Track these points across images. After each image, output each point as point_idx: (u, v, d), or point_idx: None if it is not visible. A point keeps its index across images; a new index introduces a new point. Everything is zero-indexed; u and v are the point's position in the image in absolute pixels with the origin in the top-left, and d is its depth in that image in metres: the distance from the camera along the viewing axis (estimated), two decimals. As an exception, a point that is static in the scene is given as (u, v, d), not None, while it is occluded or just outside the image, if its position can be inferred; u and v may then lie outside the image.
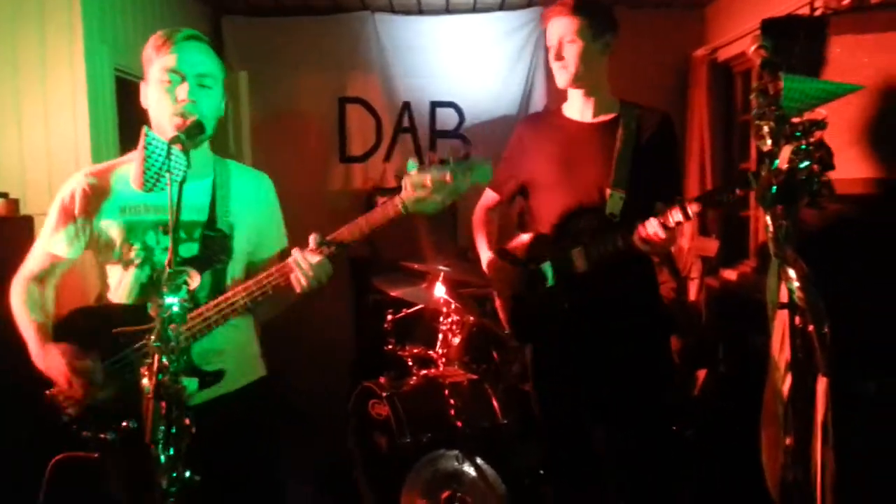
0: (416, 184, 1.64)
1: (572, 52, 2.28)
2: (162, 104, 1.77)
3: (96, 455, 1.77)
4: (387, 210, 1.68)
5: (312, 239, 1.73)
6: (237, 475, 1.88)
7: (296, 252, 1.72)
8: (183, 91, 1.74)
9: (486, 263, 2.59)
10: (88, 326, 1.85)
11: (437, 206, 1.64)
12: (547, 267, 2.33)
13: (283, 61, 4.95)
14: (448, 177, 1.62)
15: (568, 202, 2.35)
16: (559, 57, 2.31)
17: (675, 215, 2.03)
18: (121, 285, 1.88)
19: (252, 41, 4.91)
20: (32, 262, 1.98)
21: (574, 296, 2.31)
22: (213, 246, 1.82)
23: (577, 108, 2.41)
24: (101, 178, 1.88)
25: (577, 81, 2.32)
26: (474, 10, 5.04)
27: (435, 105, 5.12)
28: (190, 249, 1.83)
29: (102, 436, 1.76)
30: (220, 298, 1.77)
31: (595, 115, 2.38)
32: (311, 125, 5.11)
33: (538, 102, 5.03)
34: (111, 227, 1.85)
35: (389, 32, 5.04)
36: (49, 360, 1.79)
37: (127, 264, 1.86)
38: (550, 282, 2.32)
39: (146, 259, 1.84)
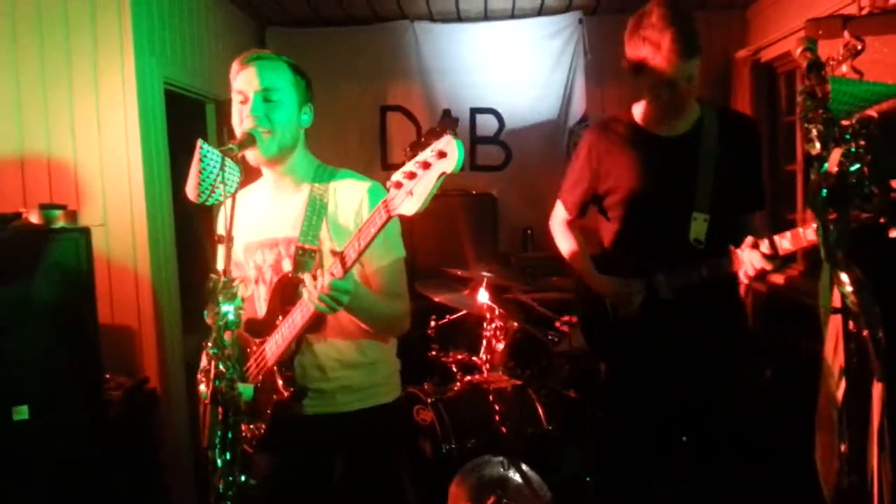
0: (396, 181, 1.50)
1: (690, 87, 2.12)
2: (235, 124, 1.85)
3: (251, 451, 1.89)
4: (373, 218, 1.58)
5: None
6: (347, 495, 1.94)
7: (307, 280, 1.69)
8: (247, 109, 1.81)
9: (593, 278, 2.43)
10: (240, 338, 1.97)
11: (411, 211, 1.46)
12: (660, 278, 2.21)
13: (324, 71, 5.01)
14: (418, 168, 1.44)
15: (648, 223, 2.24)
16: (678, 99, 2.14)
17: (785, 243, 1.87)
18: (249, 301, 2.00)
19: (294, 52, 4.95)
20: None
21: (654, 324, 2.23)
22: (304, 260, 1.85)
23: (656, 118, 2.26)
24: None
25: (681, 112, 2.20)
26: (512, 16, 5.06)
27: (475, 111, 5.14)
28: (287, 265, 1.89)
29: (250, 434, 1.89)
30: (287, 318, 1.82)
31: (676, 126, 2.24)
32: (353, 133, 5.18)
33: (578, 107, 5.02)
34: (237, 246, 1.94)
35: (429, 40, 5.09)
36: None
37: (248, 282, 1.98)
38: (665, 294, 2.20)
39: (258, 277, 1.96)
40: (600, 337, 2.45)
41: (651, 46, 2.08)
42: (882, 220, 1.53)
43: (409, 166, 1.43)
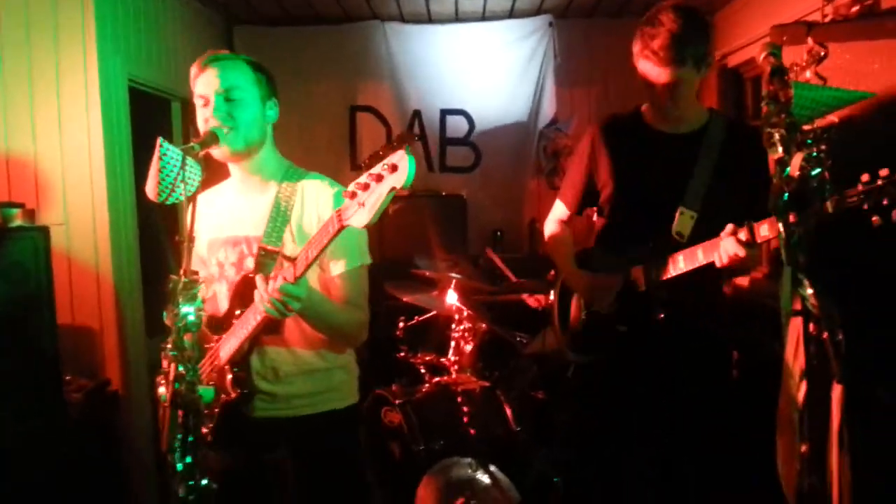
0: (350, 191, 1.48)
1: (674, 93, 2.11)
2: (201, 128, 1.82)
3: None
4: (326, 228, 1.57)
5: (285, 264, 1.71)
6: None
7: (258, 282, 1.68)
8: (208, 111, 1.78)
9: (573, 275, 2.42)
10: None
11: (361, 223, 1.45)
12: (639, 269, 2.19)
13: (294, 70, 4.97)
14: (371, 180, 1.43)
15: (635, 217, 2.24)
16: (657, 98, 2.14)
17: (763, 230, 1.82)
18: (212, 299, 1.97)
19: (263, 51, 4.93)
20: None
21: (630, 318, 2.21)
22: (266, 261, 1.83)
23: (660, 117, 2.25)
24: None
25: (673, 111, 2.18)
26: (483, 18, 5.06)
27: (445, 113, 5.14)
28: (249, 263, 1.87)
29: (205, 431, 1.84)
30: (243, 317, 1.80)
31: (680, 125, 2.23)
32: (323, 133, 5.15)
33: (548, 109, 5.04)
34: (200, 247, 1.96)
35: (399, 41, 5.07)
36: None
37: (210, 279, 1.95)
38: (644, 288, 2.17)
39: (220, 274, 1.93)
40: (576, 335, 2.44)
41: (642, 41, 2.09)
42: (865, 207, 1.56)
43: (364, 178, 1.42)
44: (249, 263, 1.87)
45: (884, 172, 1.56)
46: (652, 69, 2.09)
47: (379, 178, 1.40)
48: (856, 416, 1.17)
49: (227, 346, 1.84)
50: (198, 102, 1.82)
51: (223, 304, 1.92)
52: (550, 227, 2.55)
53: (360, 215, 1.44)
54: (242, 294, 1.84)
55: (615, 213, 2.33)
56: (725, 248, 1.90)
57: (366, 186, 1.42)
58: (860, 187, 1.59)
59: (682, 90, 2.11)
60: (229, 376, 1.84)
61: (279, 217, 1.85)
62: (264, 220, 1.85)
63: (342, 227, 1.50)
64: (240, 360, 1.85)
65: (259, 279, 1.66)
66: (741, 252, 1.87)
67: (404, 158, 1.37)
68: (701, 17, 2.11)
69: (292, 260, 1.62)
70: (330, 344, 1.92)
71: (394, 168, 1.37)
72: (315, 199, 1.87)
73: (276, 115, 1.92)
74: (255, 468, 1.93)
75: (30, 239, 2.58)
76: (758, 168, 2.16)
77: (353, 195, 1.44)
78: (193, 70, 1.84)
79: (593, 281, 2.32)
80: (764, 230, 1.82)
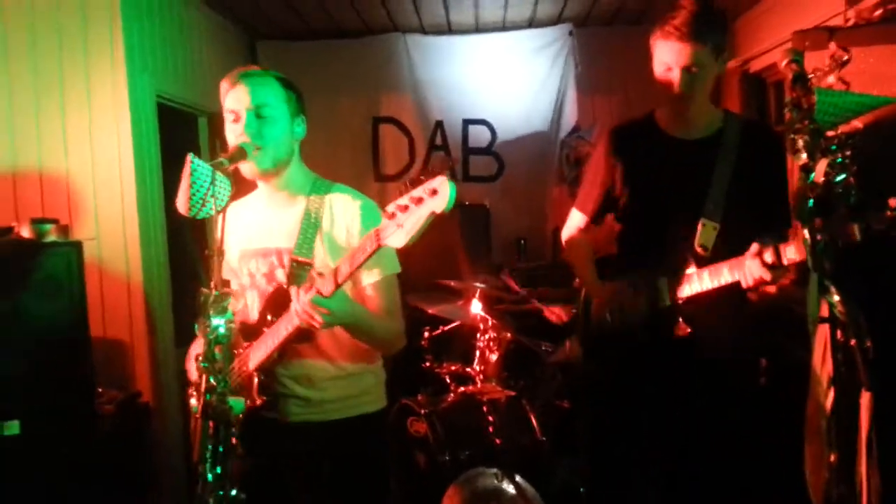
0: (390, 212, 1.51)
1: (691, 78, 2.06)
2: (230, 140, 1.86)
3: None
4: (363, 245, 1.59)
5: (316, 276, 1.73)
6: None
7: (292, 295, 1.71)
8: (239, 127, 1.82)
9: (595, 286, 2.40)
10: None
11: (399, 245, 1.48)
12: (663, 284, 2.16)
13: (316, 84, 5.00)
14: (411, 203, 1.46)
15: (657, 228, 2.20)
16: (679, 87, 2.07)
17: (790, 252, 1.77)
18: (246, 308, 2.01)
19: (286, 65, 4.98)
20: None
21: (653, 331, 2.18)
22: (298, 272, 1.86)
23: (676, 120, 2.22)
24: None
25: (688, 103, 2.13)
26: (504, 28, 5.09)
27: (467, 123, 5.16)
28: (280, 276, 1.90)
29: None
30: (273, 327, 1.82)
31: (695, 129, 2.20)
32: (346, 145, 5.19)
33: (569, 117, 5.05)
34: (231, 256, 2.02)
35: (420, 52, 5.11)
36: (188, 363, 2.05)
37: (242, 289, 1.99)
38: (664, 301, 2.15)
39: (252, 284, 1.97)
40: (596, 342, 2.43)
41: (661, 23, 2.07)
42: (894, 234, 1.54)
43: (404, 199, 1.45)
44: (280, 274, 1.90)
45: None
46: (672, 48, 2.04)
47: (419, 200, 1.43)
48: (884, 425, 1.16)
49: (258, 353, 1.87)
50: (228, 117, 1.86)
51: (254, 313, 1.96)
52: (568, 240, 2.54)
53: (398, 236, 1.47)
54: (274, 303, 1.88)
55: (634, 222, 2.31)
56: (751, 270, 1.86)
57: (405, 208, 1.45)
58: (889, 214, 1.56)
59: (698, 77, 2.07)
60: (256, 381, 1.87)
61: (310, 229, 1.87)
62: (295, 232, 1.88)
63: (379, 247, 1.53)
64: (269, 368, 1.88)
65: (293, 291, 1.69)
66: (767, 276, 1.82)
67: (445, 184, 1.39)
68: (719, 8, 2.11)
69: (333, 272, 1.65)
70: (364, 353, 1.95)
71: (434, 192, 1.41)
72: (343, 210, 1.90)
73: (303, 132, 1.96)
74: (291, 475, 1.95)
75: (63, 254, 2.64)
76: (776, 168, 2.15)
77: (393, 216, 1.47)
78: (224, 85, 1.88)
79: (614, 292, 2.30)
80: (791, 252, 1.77)
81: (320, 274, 1.67)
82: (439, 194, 1.40)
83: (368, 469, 1.99)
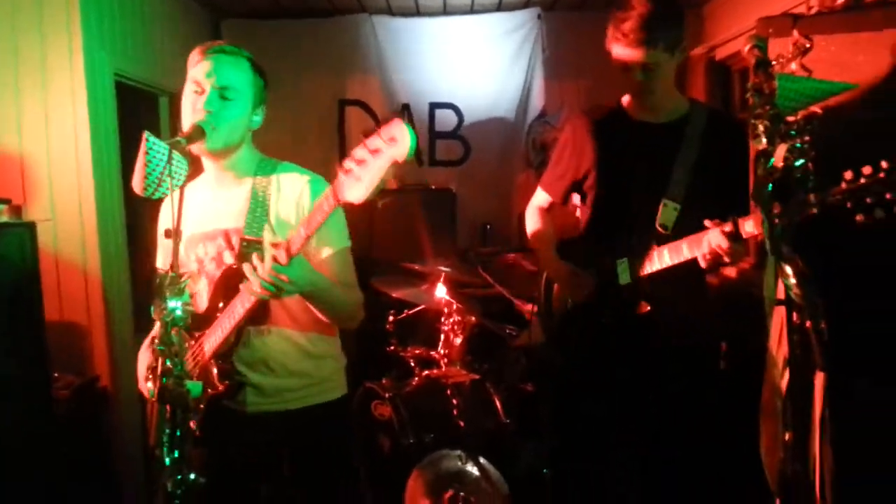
0: (345, 168, 1.47)
1: (648, 77, 2.11)
2: (185, 112, 1.82)
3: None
4: (320, 204, 1.55)
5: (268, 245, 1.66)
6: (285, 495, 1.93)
7: (246, 267, 1.66)
8: (201, 101, 1.77)
9: (551, 265, 2.44)
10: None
11: (359, 198, 1.43)
12: (623, 265, 2.19)
13: (282, 64, 4.94)
14: (367, 154, 1.41)
15: (619, 208, 2.24)
16: (637, 84, 2.14)
17: (748, 226, 1.83)
18: (195, 296, 1.95)
19: (251, 44, 4.85)
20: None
21: (615, 310, 2.21)
22: (249, 251, 1.81)
23: (640, 106, 2.27)
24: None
25: (647, 96, 2.18)
26: (472, 11, 5.05)
27: (434, 106, 5.13)
28: (228, 258, 1.86)
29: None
30: (228, 308, 1.78)
31: (660, 114, 2.24)
32: (311, 127, 5.13)
33: (536, 102, 5.05)
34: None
35: (388, 34, 5.06)
36: (139, 363, 2.00)
37: (192, 276, 1.93)
38: (623, 280, 2.17)
39: (200, 270, 1.92)
40: (558, 325, 2.45)
41: (613, 25, 2.10)
42: (848, 205, 1.57)
43: (359, 153, 1.40)
44: (228, 257, 1.87)
45: (867, 170, 1.57)
46: (623, 52, 2.09)
47: (376, 151, 1.37)
48: (837, 404, 1.18)
49: (212, 339, 1.84)
50: (190, 87, 1.81)
51: (203, 302, 1.91)
52: (531, 213, 2.56)
53: (357, 190, 1.41)
54: (226, 287, 1.83)
55: (598, 203, 2.33)
56: (710, 239, 1.90)
57: (362, 162, 1.40)
58: (844, 185, 1.60)
59: (655, 74, 2.11)
60: (214, 370, 1.83)
61: (258, 208, 1.85)
62: (243, 213, 1.85)
63: (338, 203, 1.49)
64: (226, 352, 1.84)
65: (248, 264, 1.64)
66: (724, 243, 1.86)
67: (403, 129, 1.35)
68: (673, 1, 2.12)
69: (286, 242, 1.60)
70: (320, 326, 1.92)
71: (392, 140, 1.35)
72: (291, 187, 1.88)
73: (260, 123, 1.93)
74: (251, 467, 1.92)
75: (16, 235, 2.57)
76: (739, 158, 2.17)
77: (349, 171, 1.42)
78: (195, 55, 1.83)
79: (571, 271, 2.32)
80: (749, 226, 1.83)
81: (275, 244, 1.62)
82: (398, 141, 1.35)
83: (332, 459, 1.97)
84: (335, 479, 1.98)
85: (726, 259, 1.91)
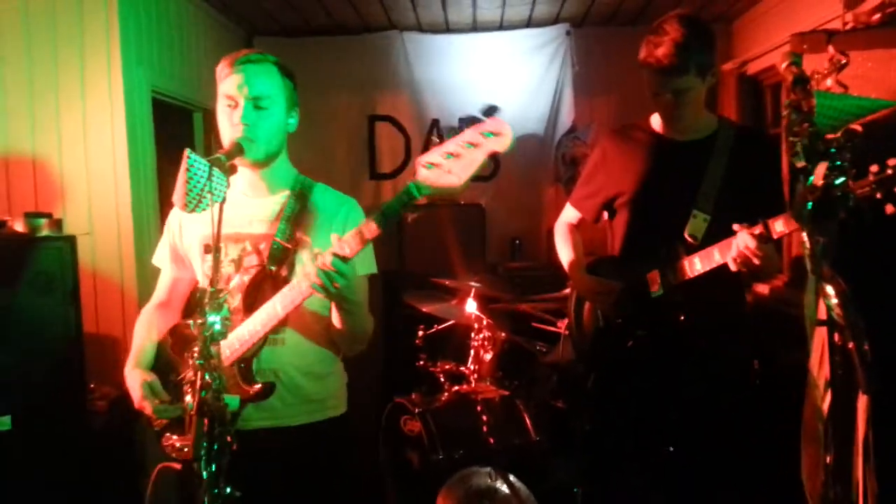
0: (429, 162, 1.56)
1: (678, 102, 2.13)
2: (223, 128, 1.84)
3: (179, 466, 1.82)
4: (401, 198, 1.61)
5: (334, 239, 1.68)
6: None
7: (305, 259, 1.70)
8: (237, 115, 1.79)
9: (578, 279, 2.43)
10: (176, 344, 1.97)
11: (455, 184, 1.51)
12: (654, 275, 2.18)
13: (313, 81, 5.00)
14: (460, 148, 1.51)
15: (649, 223, 2.24)
16: (668, 108, 2.16)
17: (779, 226, 1.83)
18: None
19: (282, 61, 4.96)
20: (158, 285, 2.11)
21: (648, 324, 2.19)
22: (279, 256, 1.84)
23: (669, 125, 2.28)
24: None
25: (678, 120, 2.20)
26: (501, 27, 5.08)
27: (463, 122, 5.14)
28: (251, 261, 1.87)
29: (179, 445, 1.83)
30: (260, 309, 1.78)
31: (688, 133, 2.25)
32: (342, 143, 5.18)
33: (566, 118, 5.05)
34: (192, 245, 1.96)
35: (418, 51, 5.10)
36: (128, 381, 1.92)
37: (203, 279, 1.94)
38: (660, 291, 2.17)
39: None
40: (590, 344, 2.44)
41: (646, 49, 2.11)
42: (878, 196, 1.56)
43: (450, 146, 1.51)
44: (252, 261, 1.87)
45: (893, 162, 1.56)
46: (655, 78, 2.11)
47: (476, 144, 1.49)
48: (881, 427, 1.16)
49: (237, 343, 1.80)
50: (223, 101, 1.83)
51: None
52: (560, 229, 2.57)
53: (450, 178, 1.51)
54: (256, 289, 1.83)
55: (629, 221, 2.33)
56: (738, 242, 1.90)
57: (455, 154, 1.50)
58: (871, 178, 1.58)
59: (686, 99, 2.13)
60: (237, 372, 1.81)
61: (292, 219, 1.87)
62: (275, 221, 1.87)
63: (438, 187, 1.55)
64: (249, 357, 1.82)
65: (307, 254, 1.68)
66: (752, 243, 1.86)
67: (505, 124, 1.49)
68: (705, 26, 2.13)
69: (356, 232, 1.64)
70: (330, 344, 1.95)
71: (497, 134, 1.48)
72: (328, 204, 1.93)
73: (296, 125, 1.94)
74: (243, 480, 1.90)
75: (56, 248, 2.62)
76: (769, 171, 2.20)
77: (437, 165, 1.52)
78: (223, 69, 1.84)
79: (598, 282, 2.31)
80: (779, 226, 1.83)
81: (358, 232, 1.64)
82: (502, 135, 1.48)
83: (332, 477, 1.96)
84: (331, 497, 1.96)
85: (755, 262, 1.89)
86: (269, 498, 1.86)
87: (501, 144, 1.48)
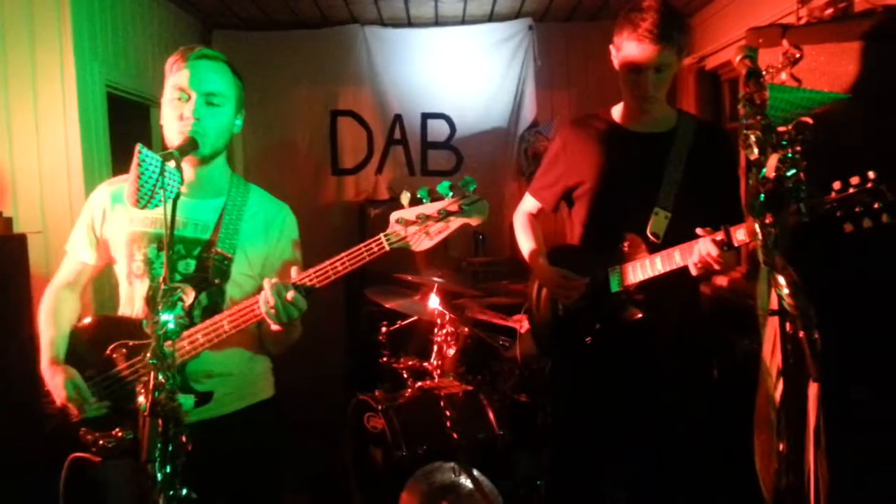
0: (404, 220, 1.68)
1: (658, 79, 2.14)
2: (169, 121, 1.80)
3: (99, 459, 1.81)
4: (371, 247, 1.69)
5: (294, 271, 1.72)
6: (232, 498, 1.88)
7: (266, 286, 1.68)
8: (188, 109, 1.76)
9: (541, 269, 2.42)
10: (94, 338, 1.92)
11: (423, 243, 1.67)
12: (616, 273, 2.20)
13: (274, 75, 4.96)
14: (435, 213, 1.65)
15: (610, 216, 2.25)
16: (641, 84, 2.15)
17: (739, 234, 1.86)
18: (128, 298, 1.92)
19: (243, 55, 4.88)
20: (63, 267, 2.06)
21: (605, 317, 2.21)
22: (209, 266, 1.82)
23: (632, 115, 2.29)
24: (118, 189, 1.90)
25: (652, 102, 2.20)
26: (463, 21, 5.07)
27: (426, 117, 5.14)
28: (187, 266, 1.84)
29: (102, 442, 1.77)
30: (207, 322, 1.77)
31: (650, 125, 2.27)
32: (303, 138, 5.13)
33: (528, 112, 5.06)
34: (118, 237, 1.90)
35: (380, 45, 5.07)
36: (50, 378, 1.89)
37: (130, 276, 1.89)
38: (614, 288, 2.19)
39: (146, 272, 1.87)
40: (548, 333, 2.45)
41: (630, 26, 2.12)
42: (838, 214, 1.59)
43: (432, 209, 1.65)
44: (187, 265, 1.83)
45: (854, 181, 1.60)
46: (644, 49, 2.10)
47: (453, 213, 1.64)
48: (832, 414, 1.18)
49: (178, 353, 1.75)
50: (173, 93, 1.79)
51: (138, 304, 1.87)
52: (520, 219, 2.57)
53: (426, 243, 1.68)
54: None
55: (590, 211, 2.34)
56: (700, 248, 1.93)
57: (435, 217, 1.66)
58: (833, 195, 1.62)
59: (664, 77, 2.15)
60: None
61: (230, 225, 1.86)
62: (212, 225, 1.86)
63: (384, 251, 1.70)
64: (181, 365, 1.80)
65: (269, 283, 1.67)
66: (714, 251, 1.89)
67: (485, 206, 1.67)
68: (676, 8, 2.17)
69: (321, 270, 1.71)
70: (259, 346, 1.97)
71: (474, 210, 1.66)
72: (265, 212, 1.94)
73: (240, 127, 1.94)
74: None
75: (6, 248, 2.55)
76: (728, 167, 2.25)
77: (423, 228, 1.67)
78: (176, 61, 1.80)
79: (563, 275, 2.32)
80: (741, 234, 1.86)
81: (323, 270, 1.71)
82: (480, 213, 1.67)
83: (265, 459, 1.97)
84: (263, 482, 1.96)
85: (716, 267, 1.94)
86: (210, 487, 1.84)
87: (476, 220, 1.64)
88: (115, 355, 1.84)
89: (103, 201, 1.94)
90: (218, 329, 1.76)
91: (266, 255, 1.93)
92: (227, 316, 1.75)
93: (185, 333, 1.77)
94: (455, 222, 1.64)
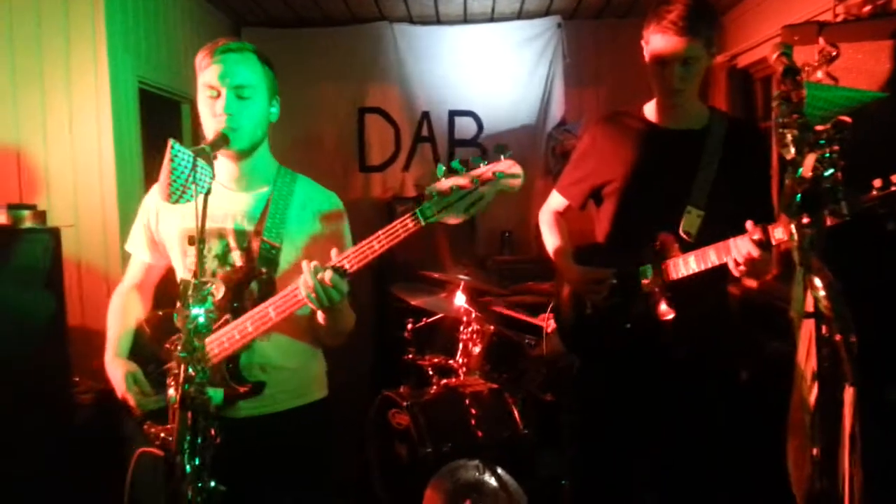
0: (438, 191, 1.62)
1: (685, 72, 2.10)
2: (205, 118, 1.81)
3: (163, 453, 1.81)
4: (406, 223, 1.65)
5: (334, 253, 1.70)
6: (277, 497, 1.89)
7: (305, 268, 1.66)
8: (220, 105, 1.77)
9: (566, 267, 2.40)
10: (155, 333, 1.96)
11: (461, 214, 1.61)
12: (647, 269, 2.16)
13: (302, 72, 4.98)
14: (469, 183, 1.61)
15: (641, 214, 2.22)
16: (667, 77, 2.12)
17: (777, 233, 1.82)
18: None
19: (271, 52, 4.89)
20: (129, 269, 2.12)
21: (635, 316, 2.18)
22: (269, 255, 1.82)
23: (664, 112, 2.25)
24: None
25: (680, 96, 2.17)
26: (492, 19, 5.06)
27: (453, 114, 5.14)
28: (237, 258, 1.85)
29: (163, 435, 1.80)
30: (255, 311, 1.77)
31: (682, 122, 2.23)
32: (331, 135, 5.16)
33: (556, 110, 5.03)
34: (171, 236, 1.93)
35: (408, 42, 5.08)
36: (111, 372, 1.93)
37: (186, 272, 1.91)
38: (645, 287, 2.16)
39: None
40: (576, 332, 2.43)
41: (656, 18, 2.09)
42: (880, 213, 1.56)
43: (465, 179, 1.61)
44: (235, 257, 1.85)
45: None
46: (669, 42, 2.07)
47: (487, 179, 1.60)
48: (868, 419, 1.16)
49: (224, 341, 1.79)
50: (205, 91, 1.80)
51: None
52: (546, 217, 2.54)
53: (461, 214, 1.63)
54: (242, 288, 1.82)
55: (618, 210, 2.31)
56: (739, 247, 1.90)
57: (464, 187, 1.61)
58: (874, 193, 1.58)
59: (693, 71, 2.11)
60: (226, 370, 1.81)
61: (277, 214, 1.85)
62: (261, 216, 1.85)
63: (419, 227, 1.65)
64: (235, 356, 1.82)
65: (308, 265, 1.65)
66: (755, 252, 1.86)
67: (520, 172, 1.63)
68: (709, 3, 2.14)
69: (358, 250, 1.67)
70: (312, 338, 1.96)
71: (509, 174, 1.60)
72: (313, 199, 1.92)
73: (278, 114, 1.93)
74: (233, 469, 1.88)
75: (40, 241, 2.59)
76: (761, 164, 2.21)
77: (450, 194, 1.61)
78: (204, 58, 1.81)
79: (588, 272, 2.30)
80: (778, 233, 1.83)
81: (360, 250, 1.68)
82: (516, 175, 1.62)
83: (314, 456, 1.96)
84: (315, 480, 1.97)
85: (760, 267, 1.91)
86: (259, 484, 1.87)
87: (512, 185, 1.60)
88: (172, 348, 1.86)
89: (156, 202, 1.97)
90: (265, 317, 1.75)
91: (316, 244, 1.91)
92: (272, 303, 1.75)
93: (235, 322, 1.78)
94: (490, 191, 1.60)
